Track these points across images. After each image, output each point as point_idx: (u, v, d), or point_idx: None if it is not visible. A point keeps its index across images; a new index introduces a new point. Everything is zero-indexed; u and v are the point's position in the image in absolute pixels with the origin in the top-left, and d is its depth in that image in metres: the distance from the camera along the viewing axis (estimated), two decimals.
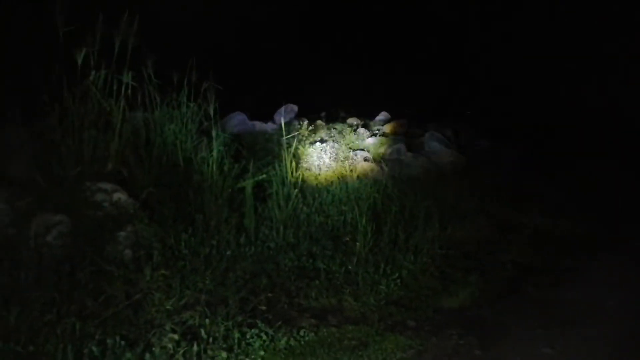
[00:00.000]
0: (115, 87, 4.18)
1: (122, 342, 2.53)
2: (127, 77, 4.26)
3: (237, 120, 6.41)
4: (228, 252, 3.63)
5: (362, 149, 6.55)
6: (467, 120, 8.62)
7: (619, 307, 3.55)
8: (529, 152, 7.57)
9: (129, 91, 4.29)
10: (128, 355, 2.46)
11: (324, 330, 3.04)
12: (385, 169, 6.06)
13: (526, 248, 4.58)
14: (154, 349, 2.53)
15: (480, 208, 5.31)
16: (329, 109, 7.85)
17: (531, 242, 4.74)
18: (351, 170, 5.80)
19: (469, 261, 4.20)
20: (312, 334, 2.98)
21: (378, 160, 6.29)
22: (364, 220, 4.09)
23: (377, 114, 7.90)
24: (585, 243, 4.80)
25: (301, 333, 2.95)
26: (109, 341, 2.51)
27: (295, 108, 7.15)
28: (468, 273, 3.95)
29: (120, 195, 3.71)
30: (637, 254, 4.54)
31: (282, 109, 6.94)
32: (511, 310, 3.44)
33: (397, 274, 3.70)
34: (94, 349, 2.47)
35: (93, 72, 4.06)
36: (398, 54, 9.46)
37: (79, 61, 3.97)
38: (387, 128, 7.39)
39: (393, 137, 7.11)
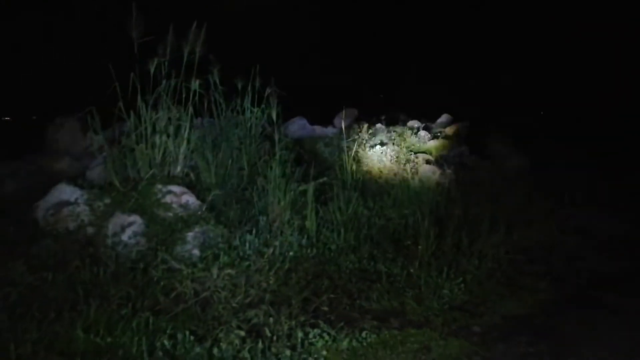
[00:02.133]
0: (184, 95, 4.39)
1: (192, 337, 2.64)
2: (194, 85, 4.45)
3: (298, 125, 6.51)
4: (291, 253, 3.69)
5: (424, 152, 6.45)
6: (533, 122, 8.30)
7: None
8: (598, 155, 7.16)
9: (197, 98, 4.49)
10: (197, 349, 2.56)
11: (386, 332, 3.01)
12: (448, 171, 5.93)
13: (601, 254, 4.32)
14: (221, 344, 2.61)
15: (549, 212, 5.08)
16: (389, 112, 7.80)
17: (606, 248, 4.48)
18: (413, 173, 5.72)
19: (537, 267, 4.02)
20: (374, 335, 2.96)
21: (440, 163, 6.17)
22: (426, 224, 4.03)
23: (438, 117, 7.76)
24: None
25: (363, 335, 2.94)
26: (179, 335, 2.63)
27: (355, 112, 7.17)
28: (537, 279, 3.79)
29: (188, 198, 3.88)
30: None
31: (342, 112, 6.97)
32: (585, 319, 3.26)
33: (460, 279, 3.60)
34: (166, 342, 2.59)
35: (164, 81, 4.27)
36: (460, 56, 9.27)
37: (152, 71, 4.20)
38: (449, 130, 7.23)
39: (455, 140, 6.96)
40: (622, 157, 7.07)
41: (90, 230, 3.55)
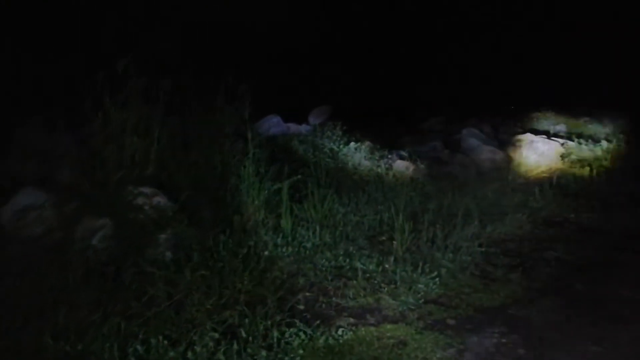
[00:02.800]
0: (154, 94, 4.30)
1: (165, 341, 2.59)
2: (165, 84, 4.38)
3: (272, 123, 6.48)
4: (265, 253, 3.67)
5: (398, 148, 6.49)
6: (507, 115, 8.42)
7: None
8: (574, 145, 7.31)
9: (168, 97, 4.41)
10: (171, 353, 2.52)
11: (363, 329, 3.02)
12: (422, 166, 5.98)
13: (572, 244, 4.42)
14: (195, 347, 2.58)
15: (522, 204, 5.17)
16: (365, 108, 7.82)
17: (577, 238, 4.58)
18: (387, 169, 5.75)
19: (510, 259, 4.09)
20: (351, 333, 2.97)
21: (415, 158, 6.22)
22: (400, 219, 4.05)
23: (414, 112, 7.83)
24: (633, 238, 4.59)
25: (339, 332, 2.95)
26: (152, 340, 2.58)
27: (329, 109, 7.17)
28: (510, 271, 3.85)
29: (159, 199, 3.81)
30: None
31: (316, 110, 6.97)
32: (557, 308, 3.33)
33: (435, 273, 3.64)
34: (139, 347, 2.54)
35: (133, 79, 4.18)
36: (432, 51, 9.35)
37: (120, 69, 4.11)
38: (424, 125, 7.30)
39: (430, 135, 7.03)
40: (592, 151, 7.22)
41: (58, 234, 3.45)
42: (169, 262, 3.33)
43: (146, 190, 3.84)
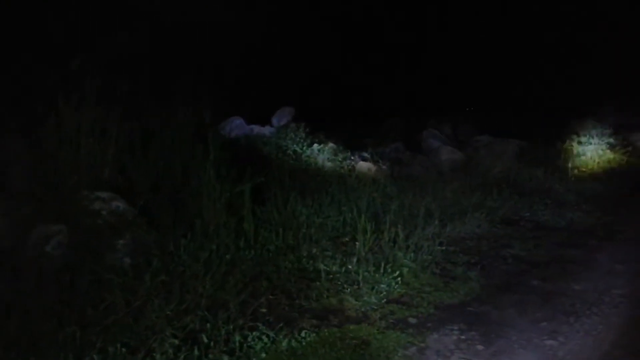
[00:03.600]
0: (111, 95, 4.19)
1: (123, 349, 2.53)
2: (123, 85, 4.27)
3: (235, 125, 6.43)
4: (227, 256, 3.62)
5: (361, 149, 6.55)
6: (466, 117, 8.63)
7: (623, 296, 3.54)
8: (530, 146, 7.58)
9: (125, 98, 4.30)
10: None
11: (326, 330, 3.03)
12: (384, 167, 6.06)
13: (528, 241, 4.57)
14: (155, 354, 2.52)
15: (481, 203, 5.31)
16: (327, 110, 7.86)
17: (533, 236, 4.74)
18: (350, 170, 5.79)
19: (469, 257, 4.19)
20: (314, 334, 2.97)
21: (377, 159, 6.29)
22: (363, 220, 4.08)
23: (376, 115, 7.92)
24: (589, 233, 4.80)
25: (302, 334, 2.94)
26: (110, 349, 2.51)
27: (292, 111, 7.17)
28: (469, 269, 3.94)
29: (117, 203, 3.71)
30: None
31: (279, 112, 6.95)
32: (514, 303, 3.43)
33: (397, 273, 3.69)
34: (95, 357, 2.46)
35: (88, 80, 4.06)
36: (393, 53, 9.48)
37: (75, 69, 3.99)
38: (385, 127, 7.39)
39: (391, 136, 7.12)
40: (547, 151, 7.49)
41: (9, 241, 3.31)
42: (128, 267, 3.25)
43: (103, 194, 3.73)
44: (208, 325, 2.81)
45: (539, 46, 9.16)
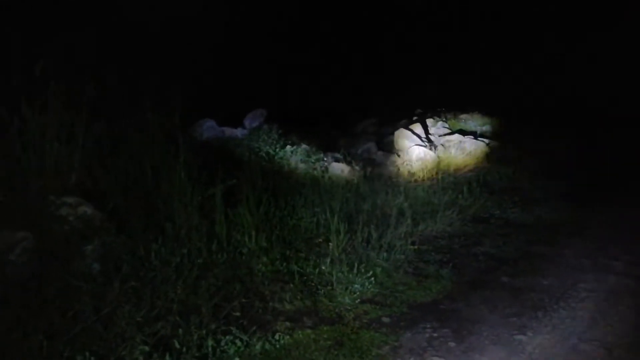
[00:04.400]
0: (77, 98, 4.09)
1: (92, 358, 2.47)
2: (89, 88, 4.18)
3: (206, 127, 6.37)
4: (199, 260, 3.58)
5: (333, 150, 6.57)
6: (437, 117, 8.74)
7: (590, 290, 3.65)
8: (500, 145, 7.72)
9: (92, 101, 4.21)
10: None
11: (299, 332, 3.03)
12: (356, 168, 6.09)
13: (498, 239, 4.66)
14: None
15: (452, 202, 5.39)
16: (300, 111, 7.85)
17: (503, 233, 4.84)
18: (323, 172, 5.80)
19: (442, 255, 4.25)
20: (288, 337, 2.97)
21: (349, 160, 6.32)
22: (336, 221, 4.10)
23: (353, 116, 7.97)
24: (557, 230, 4.92)
25: (276, 337, 2.94)
26: (78, 358, 2.45)
27: (265, 113, 7.14)
28: (441, 267, 4.00)
29: (85, 209, 3.63)
30: (607, 238, 4.67)
31: (251, 114, 6.92)
32: (484, 300, 3.49)
33: (371, 272, 3.71)
34: None
35: (52, 83, 3.96)
36: (364, 54, 9.55)
37: (37, 72, 3.88)
38: (357, 128, 7.43)
39: (364, 137, 7.17)
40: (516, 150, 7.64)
41: None
42: (97, 274, 3.18)
43: (70, 199, 3.64)
44: (180, 330, 2.78)
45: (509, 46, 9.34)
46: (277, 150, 6.09)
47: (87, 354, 2.48)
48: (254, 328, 2.97)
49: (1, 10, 3.71)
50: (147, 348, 2.57)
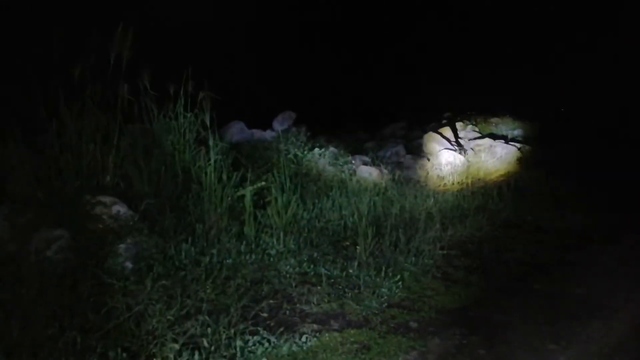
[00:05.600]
0: (112, 100, 4.21)
1: (124, 354, 2.53)
2: (123, 90, 4.29)
3: (236, 129, 6.43)
4: (229, 261, 3.63)
5: (361, 153, 6.56)
6: (466, 120, 8.62)
7: (625, 300, 3.53)
8: (531, 149, 7.57)
9: (126, 104, 4.32)
10: None
11: (326, 335, 3.03)
12: (384, 171, 6.06)
13: (529, 245, 4.56)
14: (155, 359, 2.52)
15: (482, 207, 5.31)
16: (328, 114, 7.87)
17: (535, 239, 4.73)
18: (351, 175, 5.80)
19: (471, 260, 4.18)
20: (315, 339, 2.97)
21: (377, 163, 6.30)
22: (363, 224, 4.09)
23: (378, 119, 7.95)
24: (591, 236, 4.79)
25: (303, 339, 2.94)
26: (110, 354, 2.51)
27: (294, 115, 7.18)
28: (470, 272, 3.94)
29: (119, 208, 3.72)
30: None
31: (280, 116, 6.97)
32: (516, 308, 3.42)
33: (398, 277, 3.69)
34: None
35: (89, 86, 4.08)
36: (393, 58, 9.51)
37: (76, 76, 4.00)
38: (385, 131, 7.40)
39: (392, 140, 7.13)
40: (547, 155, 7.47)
41: (11, 247, 3.32)
42: (129, 272, 3.26)
43: (105, 199, 3.74)
44: (209, 330, 2.81)
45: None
46: (306, 152, 6.10)
47: (119, 350, 2.53)
48: (281, 329, 2.98)
49: (41, 13, 3.85)
50: (177, 346, 2.61)
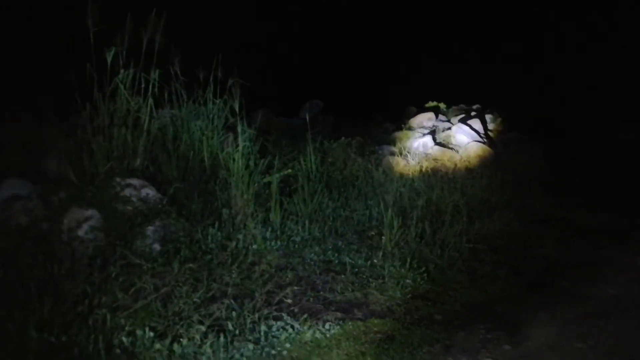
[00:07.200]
0: (143, 85, 4.26)
1: (151, 334, 2.57)
2: (154, 75, 4.33)
3: (263, 116, 6.44)
4: (254, 246, 3.66)
5: (388, 143, 6.50)
6: (496, 113, 8.44)
7: None
8: (561, 145, 7.38)
9: (157, 89, 4.37)
10: (157, 346, 2.50)
11: (350, 323, 3.02)
12: (412, 162, 5.99)
13: (558, 241, 4.45)
14: (182, 340, 2.57)
15: (510, 202, 5.20)
16: (355, 103, 7.82)
17: (564, 236, 4.61)
18: (377, 165, 5.75)
19: (498, 255, 4.11)
20: (338, 327, 2.97)
21: (404, 154, 6.23)
22: (389, 215, 4.05)
23: (403, 109, 7.85)
24: (620, 235, 4.65)
25: (327, 326, 2.95)
26: (138, 332, 2.56)
27: (320, 104, 7.16)
28: (497, 267, 3.87)
29: (148, 191, 3.78)
30: None
31: (307, 104, 6.95)
32: (543, 305, 3.35)
33: (423, 268, 3.65)
34: (124, 339, 2.52)
35: (122, 71, 4.14)
36: (420, 48, 9.36)
37: (109, 60, 4.06)
38: (413, 122, 7.31)
39: (420, 130, 7.04)
40: (581, 149, 7.28)
41: (44, 225, 3.41)
42: (157, 254, 3.31)
43: (134, 182, 3.80)
44: (234, 313, 2.84)
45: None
46: (332, 141, 6.07)
47: (147, 329, 2.58)
48: (305, 316, 2.99)
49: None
50: (203, 328, 2.65)
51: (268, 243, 3.77)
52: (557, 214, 5.14)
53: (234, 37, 7.25)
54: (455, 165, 6.17)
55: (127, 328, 2.59)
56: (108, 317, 2.62)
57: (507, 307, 3.33)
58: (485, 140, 7.13)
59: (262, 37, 7.95)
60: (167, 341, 2.55)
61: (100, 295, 2.79)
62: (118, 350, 2.47)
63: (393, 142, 6.56)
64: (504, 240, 4.43)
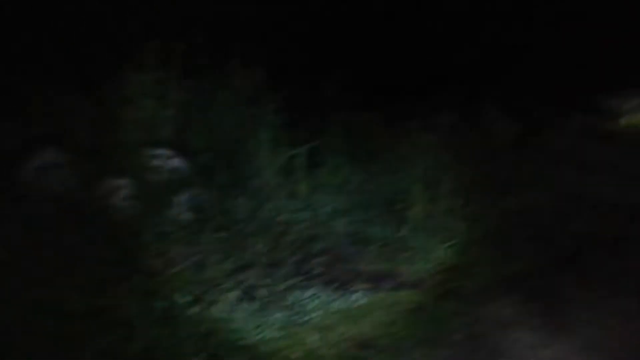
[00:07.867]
0: (170, 56, 4.25)
1: (189, 297, 2.62)
2: (180, 47, 4.32)
3: (290, 89, 6.39)
4: (282, 218, 3.67)
5: (416, 118, 6.39)
6: (525, 88, 8.23)
7: None
8: (593, 120, 7.18)
9: (183, 60, 4.35)
10: (193, 310, 2.55)
11: (379, 294, 3.03)
12: (440, 137, 5.89)
13: (592, 218, 4.34)
14: (217, 304, 2.61)
15: (541, 177, 5.09)
16: (382, 78, 7.68)
17: (597, 212, 4.50)
18: (406, 138, 5.66)
19: (529, 230, 4.03)
20: (366, 297, 2.98)
21: (433, 128, 6.13)
22: (417, 188, 4.01)
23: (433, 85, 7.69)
24: None
25: (355, 296, 2.96)
26: (176, 296, 2.61)
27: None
28: (528, 242, 3.81)
29: (177, 161, 3.82)
30: None
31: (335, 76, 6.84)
32: (577, 280, 3.29)
33: (452, 242, 3.62)
34: (161, 303, 2.57)
35: (149, 42, 4.13)
36: (451, 24, 9.12)
37: (136, 30, 4.06)
38: (442, 97, 7.17)
39: (449, 107, 6.90)
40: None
41: (79, 194, 3.47)
42: (188, 223, 3.35)
43: (164, 152, 3.83)
44: (266, 281, 2.87)
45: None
46: (359, 114, 6.00)
47: (182, 294, 2.62)
48: (334, 285, 3.00)
49: None
50: (237, 293, 2.69)
51: (295, 214, 3.77)
52: (590, 190, 5.01)
53: (260, 12, 7.16)
54: (484, 140, 6.06)
55: (164, 292, 2.64)
56: (143, 282, 2.67)
57: (539, 282, 3.28)
58: (515, 117, 6.97)
59: (288, 11, 7.84)
60: (203, 305, 2.59)
61: (135, 262, 2.85)
62: (155, 314, 2.52)
63: (422, 117, 6.43)
64: (535, 214, 4.33)
